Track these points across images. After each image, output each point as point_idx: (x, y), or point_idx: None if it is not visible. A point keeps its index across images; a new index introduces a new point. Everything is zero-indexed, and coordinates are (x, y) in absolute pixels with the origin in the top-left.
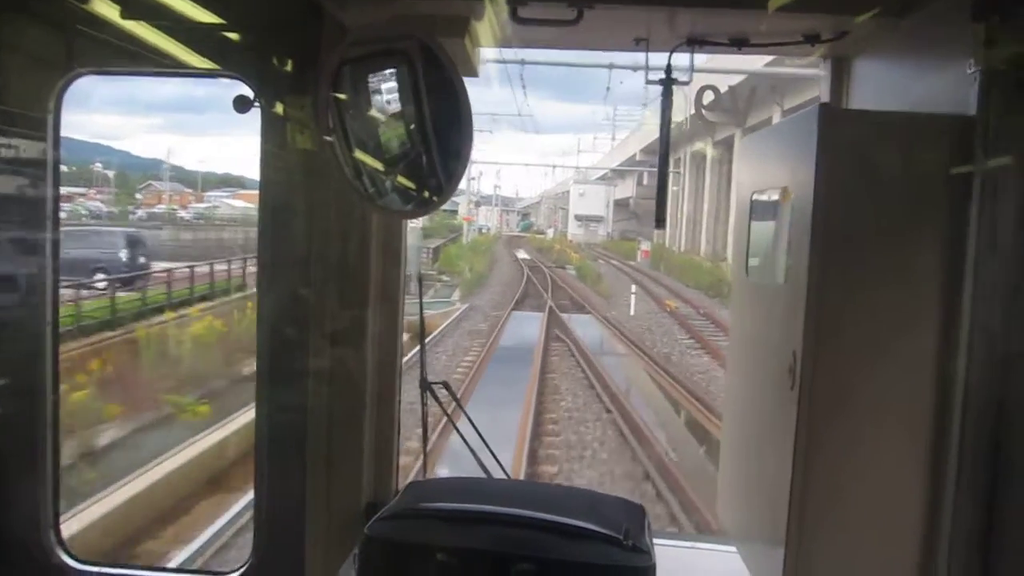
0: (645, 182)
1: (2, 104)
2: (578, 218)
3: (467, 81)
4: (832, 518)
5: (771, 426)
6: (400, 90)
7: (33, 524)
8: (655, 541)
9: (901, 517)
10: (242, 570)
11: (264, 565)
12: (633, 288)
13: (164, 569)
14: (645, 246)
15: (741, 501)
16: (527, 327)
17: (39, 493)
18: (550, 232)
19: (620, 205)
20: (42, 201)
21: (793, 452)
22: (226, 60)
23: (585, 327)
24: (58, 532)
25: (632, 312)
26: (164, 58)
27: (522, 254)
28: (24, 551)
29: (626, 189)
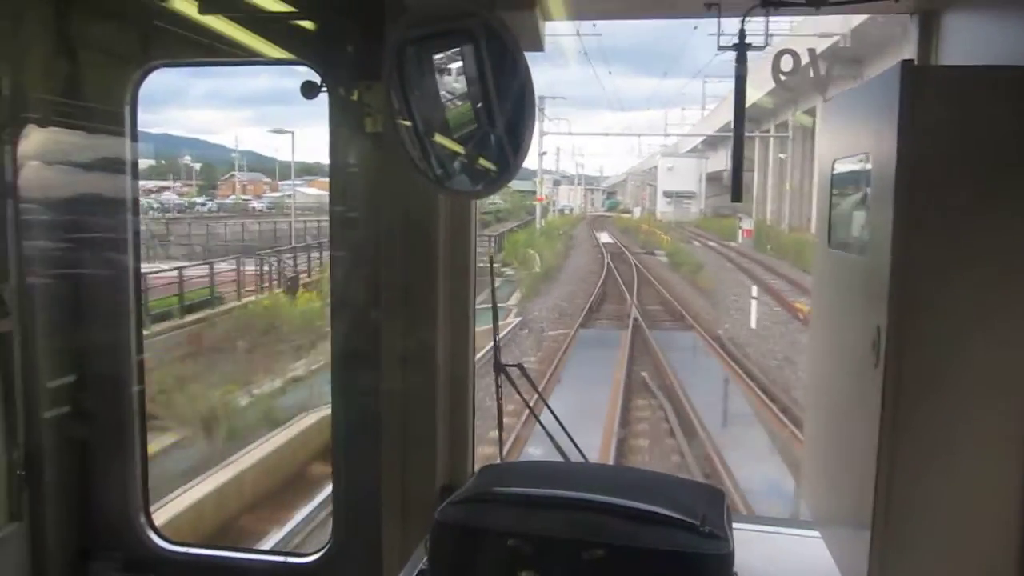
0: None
1: (80, 99)
2: (667, 194)
3: (539, 56)
4: (921, 502)
5: (855, 405)
6: (465, 68)
7: (125, 508)
8: (735, 526)
9: (994, 503)
10: (322, 552)
11: (343, 548)
12: (750, 288)
13: (249, 550)
14: (746, 224)
15: (825, 484)
16: (595, 367)
17: (130, 479)
18: (637, 211)
19: (713, 179)
20: (122, 194)
21: (879, 433)
22: (293, 47)
23: (691, 362)
24: (148, 515)
25: (754, 323)
26: (234, 48)
27: (605, 237)
28: (117, 534)
29: (719, 161)
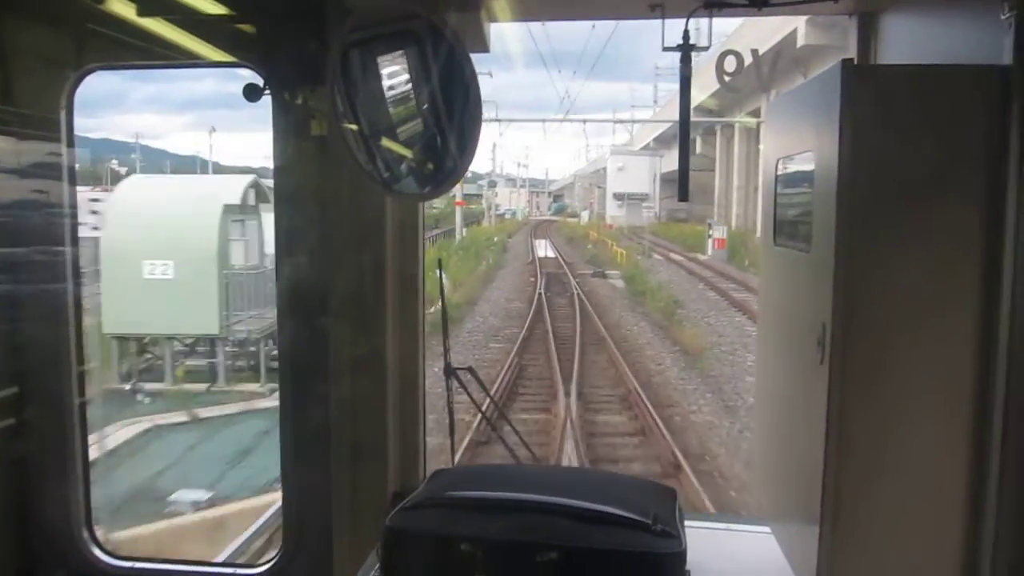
0: (699, 150)
1: (13, 105)
2: (617, 196)
3: (489, 59)
4: (868, 497)
5: (802, 401)
6: (410, 71)
7: (67, 524)
8: (687, 524)
9: (941, 496)
10: (272, 563)
11: (293, 558)
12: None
13: (195, 562)
14: (719, 232)
15: (774, 480)
16: None
17: (72, 493)
18: (585, 215)
19: (668, 180)
20: (58, 200)
21: (825, 429)
22: (235, 50)
23: None
24: (91, 529)
25: None
26: (174, 51)
27: (544, 250)
28: (59, 549)
29: (674, 160)
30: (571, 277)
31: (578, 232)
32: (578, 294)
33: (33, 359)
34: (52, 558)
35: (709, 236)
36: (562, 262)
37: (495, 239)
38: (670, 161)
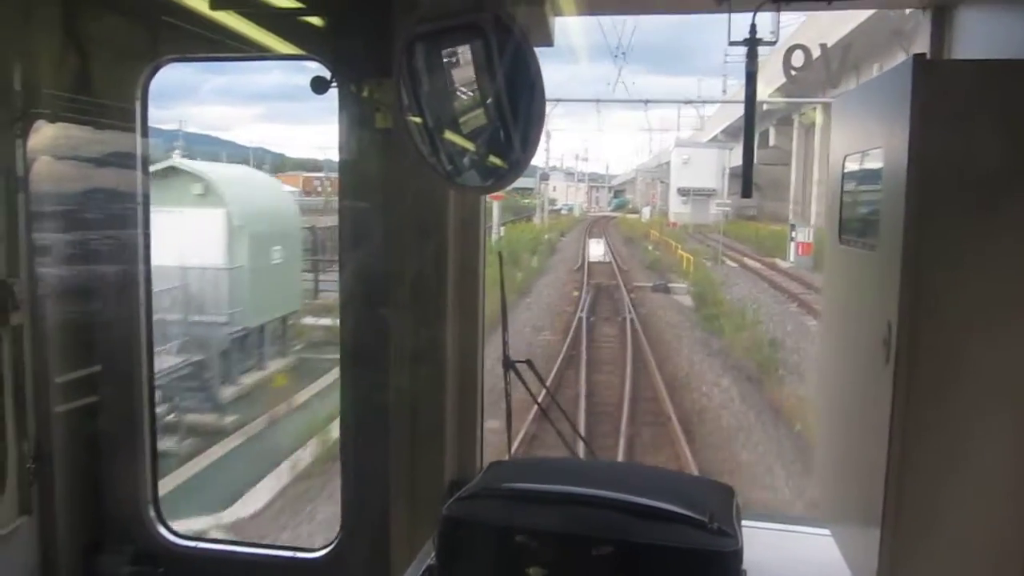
0: (772, 142)
1: (90, 95)
2: (682, 192)
3: (549, 52)
4: (932, 502)
5: (865, 402)
6: (475, 64)
7: (135, 502)
8: (744, 523)
9: (1006, 504)
10: (330, 547)
11: (351, 543)
12: None
13: (258, 544)
14: (803, 235)
15: (836, 482)
16: None
17: (140, 472)
18: (646, 212)
19: (736, 175)
20: (132, 189)
21: (889, 431)
22: (303, 43)
23: None
24: (158, 509)
25: None
26: (244, 43)
27: (597, 251)
28: (127, 528)
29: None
30: (624, 292)
31: (638, 230)
32: (631, 319)
33: (107, 341)
34: (120, 534)
35: (792, 239)
36: (616, 269)
37: (545, 237)
38: (740, 155)
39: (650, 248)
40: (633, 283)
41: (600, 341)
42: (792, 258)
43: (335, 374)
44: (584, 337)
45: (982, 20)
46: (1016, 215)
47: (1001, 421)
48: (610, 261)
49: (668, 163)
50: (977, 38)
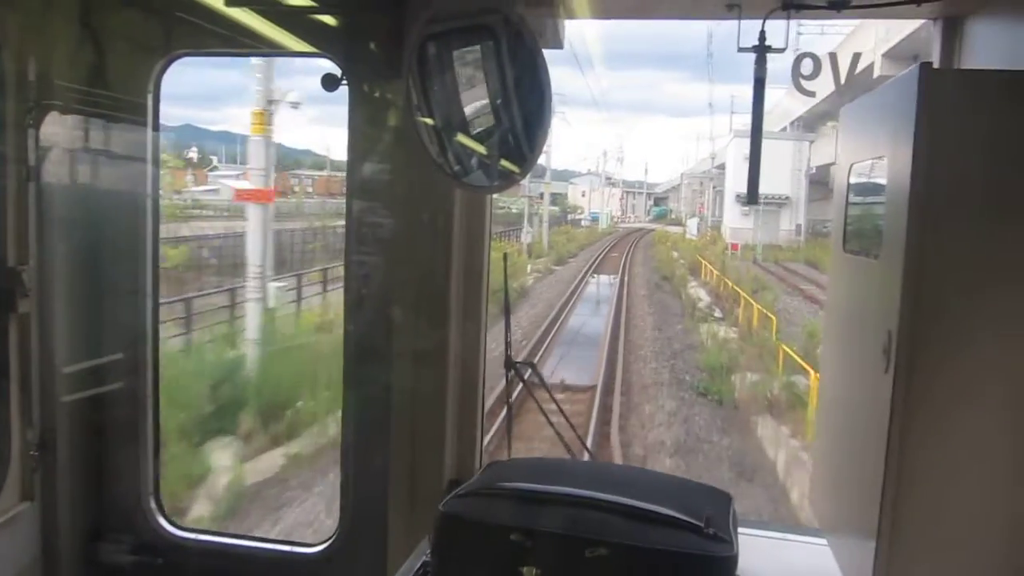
0: None
1: (104, 87)
2: (741, 199)
3: (556, 55)
4: (928, 512)
5: (865, 411)
6: (485, 65)
7: (136, 492)
8: (740, 530)
9: (1004, 516)
10: (328, 542)
11: (349, 538)
12: None
13: (257, 538)
14: None
15: (833, 491)
16: None
17: (142, 463)
18: (693, 225)
19: (817, 181)
20: (142, 183)
21: (887, 440)
22: (315, 40)
23: None
24: (159, 499)
25: None
26: (256, 40)
27: (589, 332)
28: (127, 517)
29: (827, 150)
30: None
31: (682, 254)
32: None
33: (113, 334)
34: (120, 524)
35: None
36: (634, 367)
37: (529, 269)
38: (824, 149)
39: (701, 307)
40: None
41: None
42: None
43: None
44: None
45: (993, 31)
46: (1017, 227)
47: (999, 432)
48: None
49: (722, 165)
50: (987, 49)
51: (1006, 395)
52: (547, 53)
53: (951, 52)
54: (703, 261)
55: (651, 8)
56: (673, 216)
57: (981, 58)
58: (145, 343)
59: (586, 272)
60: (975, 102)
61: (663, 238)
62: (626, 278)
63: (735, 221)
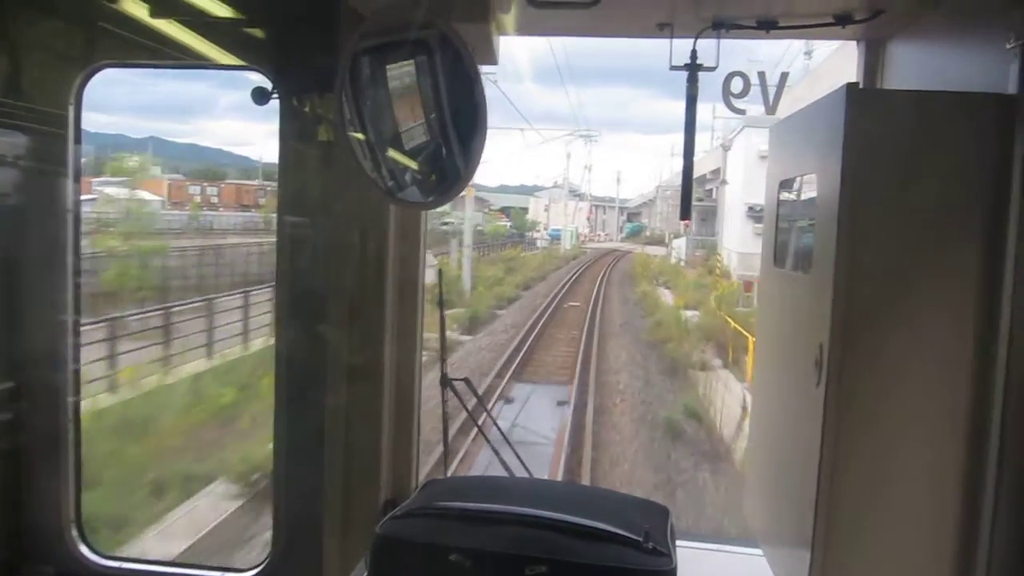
0: None
1: (22, 99)
2: (755, 213)
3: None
4: (862, 522)
5: (797, 423)
6: (419, 80)
7: (57, 521)
8: (678, 543)
9: (935, 523)
10: (260, 567)
11: (282, 562)
12: None
13: (184, 564)
14: None
15: (767, 501)
16: None
17: (63, 491)
18: (679, 245)
19: None
20: (62, 195)
21: (820, 452)
22: (245, 54)
23: None
24: (81, 528)
25: None
26: (184, 52)
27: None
28: (48, 545)
29: None
30: None
31: (680, 294)
32: None
33: (29, 355)
34: (41, 554)
35: None
36: None
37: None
38: None
39: None
40: None
41: None
42: None
43: None
44: None
45: (914, 54)
46: (942, 242)
47: (928, 441)
48: None
49: (719, 169)
50: (908, 72)
51: (934, 405)
52: (534, 72)
53: (874, 72)
54: (733, 323)
55: (584, 26)
56: (648, 233)
57: (900, 80)
58: (66, 365)
59: (507, 363)
60: (897, 120)
61: (643, 265)
62: (593, 400)
63: (745, 243)
